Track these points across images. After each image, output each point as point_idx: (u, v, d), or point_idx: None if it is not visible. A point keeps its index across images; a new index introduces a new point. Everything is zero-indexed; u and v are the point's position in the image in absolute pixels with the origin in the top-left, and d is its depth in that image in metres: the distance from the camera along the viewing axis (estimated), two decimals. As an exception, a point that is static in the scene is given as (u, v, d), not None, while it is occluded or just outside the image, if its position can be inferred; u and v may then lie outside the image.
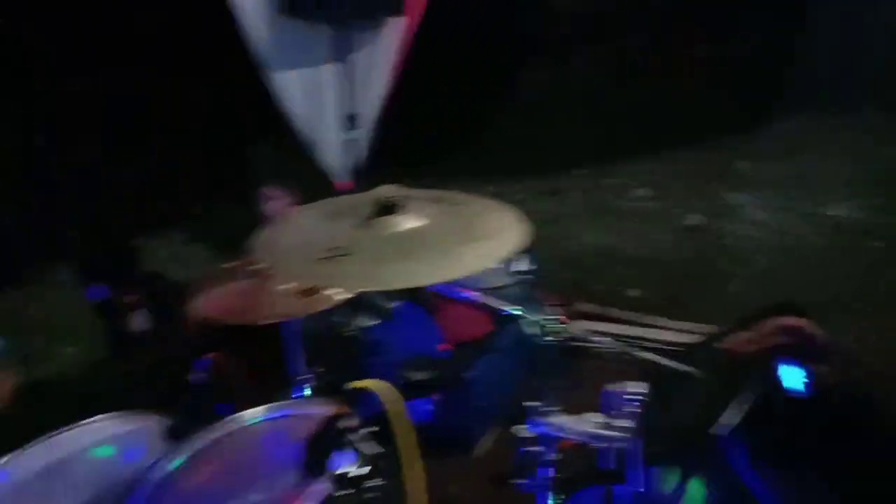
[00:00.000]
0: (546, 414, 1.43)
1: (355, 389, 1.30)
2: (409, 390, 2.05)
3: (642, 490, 1.39)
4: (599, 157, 4.81)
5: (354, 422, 1.13)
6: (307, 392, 1.64)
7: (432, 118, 4.65)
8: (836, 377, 1.61)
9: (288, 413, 1.27)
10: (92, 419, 1.44)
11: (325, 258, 1.19)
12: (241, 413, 1.26)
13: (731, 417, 1.37)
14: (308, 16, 2.94)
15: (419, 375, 2.17)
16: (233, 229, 1.58)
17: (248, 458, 1.22)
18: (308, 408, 1.28)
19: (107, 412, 1.47)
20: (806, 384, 1.54)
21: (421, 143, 4.38)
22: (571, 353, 1.72)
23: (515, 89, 5.60)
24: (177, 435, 1.32)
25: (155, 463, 1.20)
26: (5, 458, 1.34)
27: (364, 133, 3.28)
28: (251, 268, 1.58)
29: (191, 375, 1.74)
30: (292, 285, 1.54)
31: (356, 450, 1.10)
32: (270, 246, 1.31)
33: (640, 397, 1.33)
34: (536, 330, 1.57)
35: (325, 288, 1.52)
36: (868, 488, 1.50)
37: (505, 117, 5.38)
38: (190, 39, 4.12)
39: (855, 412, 1.64)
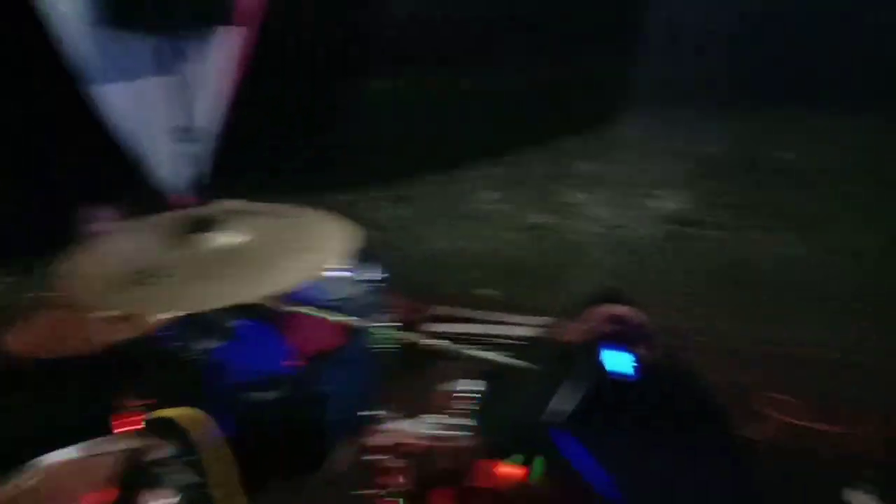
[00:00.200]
0: (388, 420, 1.43)
1: (162, 419, 1.24)
2: (256, 411, 1.98)
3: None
4: (448, 162, 4.92)
5: (164, 454, 1.07)
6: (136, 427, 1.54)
7: (277, 128, 4.55)
8: (659, 358, 1.74)
9: (95, 451, 1.18)
10: None
11: (137, 280, 1.12)
12: (45, 456, 1.16)
13: (561, 405, 1.44)
14: (130, 27, 2.79)
15: (266, 395, 2.10)
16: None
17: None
18: (114, 444, 1.20)
19: None
20: (634, 367, 1.65)
21: (266, 154, 4.27)
22: (418, 358, 1.74)
23: (361, 96, 5.60)
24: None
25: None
26: None
27: (202, 146, 3.15)
28: (57, 296, 1.46)
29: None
30: (108, 311, 1.44)
31: (171, 483, 1.05)
32: (78, 270, 1.22)
33: (475, 394, 1.37)
34: (384, 338, 1.57)
35: (144, 312, 1.44)
36: (692, 463, 1.63)
37: (352, 125, 5.38)
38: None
39: (678, 390, 1.78)
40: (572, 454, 1.39)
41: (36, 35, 2.74)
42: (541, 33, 5.85)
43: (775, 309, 3.20)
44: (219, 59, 3.08)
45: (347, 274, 2.29)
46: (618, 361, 1.64)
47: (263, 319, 2.29)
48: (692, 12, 5.44)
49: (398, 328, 1.75)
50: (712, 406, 1.82)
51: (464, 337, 2.66)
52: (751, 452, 2.32)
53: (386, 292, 2.49)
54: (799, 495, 2.07)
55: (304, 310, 1.83)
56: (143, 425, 1.28)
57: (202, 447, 1.17)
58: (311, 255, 1.22)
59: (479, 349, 1.69)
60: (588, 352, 1.64)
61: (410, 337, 1.58)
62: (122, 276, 1.13)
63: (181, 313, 1.60)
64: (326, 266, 1.22)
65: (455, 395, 1.38)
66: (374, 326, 1.68)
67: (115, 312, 1.45)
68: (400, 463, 1.45)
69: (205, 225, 1.19)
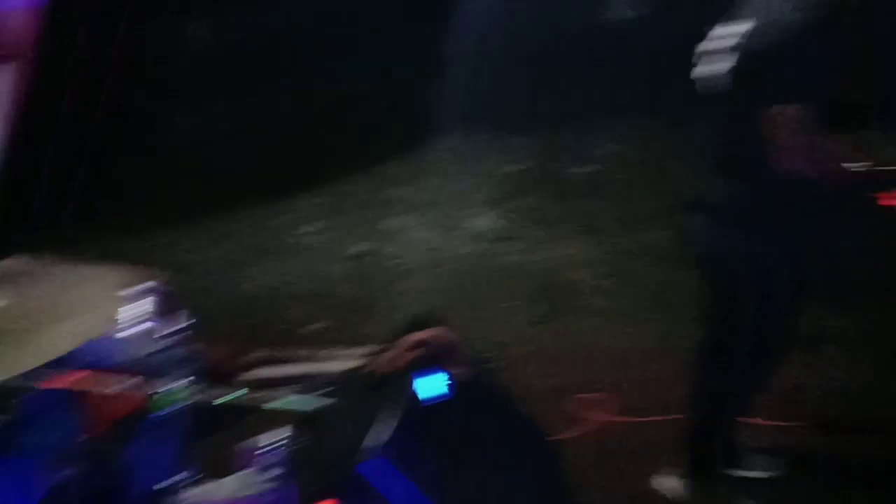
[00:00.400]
0: (193, 485, 1.34)
1: None
2: (55, 492, 1.77)
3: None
4: (264, 197, 4.79)
5: None
6: None
7: (64, 172, 4.19)
8: (473, 374, 1.78)
9: None
10: None
11: None
12: None
13: (375, 439, 1.43)
14: None
15: (62, 472, 1.88)
16: None
17: None
18: None
19: None
20: (449, 386, 1.66)
21: (51, 200, 3.91)
22: (227, 412, 1.64)
23: (163, 132, 5.33)
24: None
25: None
26: None
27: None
28: None
29: None
30: None
31: None
32: None
33: (283, 444, 1.32)
34: (191, 394, 1.46)
35: None
36: (509, 472, 1.67)
37: (159, 167, 5.09)
38: None
39: (493, 404, 1.83)
40: (389, 487, 1.38)
41: None
42: (344, 57, 5.93)
43: (587, 313, 3.43)
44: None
45: (145, 327, 2.12)
46: (431, 385, 1.65)
47: (56, 388, 2.06)
48: (494, 33, 5.73)
49: (208, 381, 1.64)
50: (527, 416, 1.89)
51: (282, 380, 2.57)
52: (566, 455, 2.45)
53: (196, 341, 2.34)
54: (612, 488, 2.21)
55: (93, 373, 1.67)
56: None
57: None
58: (92, 313, 1.12)
59: (291, 394, 1.63)
60: (400, 380, 1.64)
61: (220, 390, 1.49)
62: None
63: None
64: (116, 322, 1.13)
65: (264, 447, 1.32)
66: (177, 383, 1.56)
67: None
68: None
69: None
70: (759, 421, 2.36)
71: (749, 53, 1.64)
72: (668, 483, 2.22)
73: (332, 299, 3.67)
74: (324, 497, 1.41)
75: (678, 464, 2.24)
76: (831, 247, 1.91)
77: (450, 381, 1.65)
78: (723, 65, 1.74)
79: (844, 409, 2.51)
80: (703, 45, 1.85)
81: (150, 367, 1.71)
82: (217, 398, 1.54)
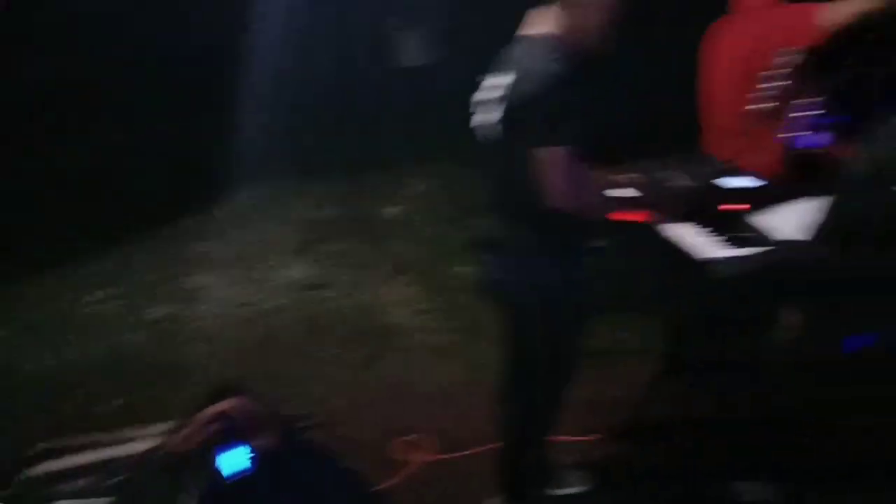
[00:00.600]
0: None
1: None
2: None
3: None
4: (49, 263, 4.32)
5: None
6: None
7: None
8: (282, 440, 1.71)
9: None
10: None
11: None
12: None
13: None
14: None
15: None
16: None
17: None
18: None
19: None
20: (252, 459, 1.59)
21: None
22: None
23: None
24: None
25: None
26: None
27: None
28: None
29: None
30: None
31: None
32: None
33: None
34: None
35: None
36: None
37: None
38: None
39: (305, 466, 1.77)
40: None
41: None
42: (133, 110, 5.60)
43: (406, 353, 3.46)
44: None
45: None
46: (234, 459, 1.57)
47: None
48: (290, 80, 5.68)
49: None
50: (348, 470, 1.86)
51: (71, 473, 2.31)
52: (391, 502, 2.44)
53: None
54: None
55: None
56: None
57: None
58: None
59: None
60: (200, 458, 1.54)
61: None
62: None
63: None
64: None
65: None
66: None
67: None
68: None
69: None
70: (565, 438, 2.51)
71: (513, 103, 1.77)
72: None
73: (131, 371, 3.37)
74: None
75: (499, 491, 2.32)
76: (606, 269, 2.10)
77: (253, 454, 1.58)
78: (493, 114, 1.86)
79: (635, 417, 2.75)
80: (477, 96, 1.98)
81: None
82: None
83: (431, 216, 5.01)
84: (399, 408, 3.00)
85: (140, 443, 2.55)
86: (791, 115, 2.26)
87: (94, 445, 2.67)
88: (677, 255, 2.05)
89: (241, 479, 1.54)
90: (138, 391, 3.21)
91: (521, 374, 2.16)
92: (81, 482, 1.78)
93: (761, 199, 2.04)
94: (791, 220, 1.93)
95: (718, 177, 2.14)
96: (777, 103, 2.28)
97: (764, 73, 2.29)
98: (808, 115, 2.21)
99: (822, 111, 2.20)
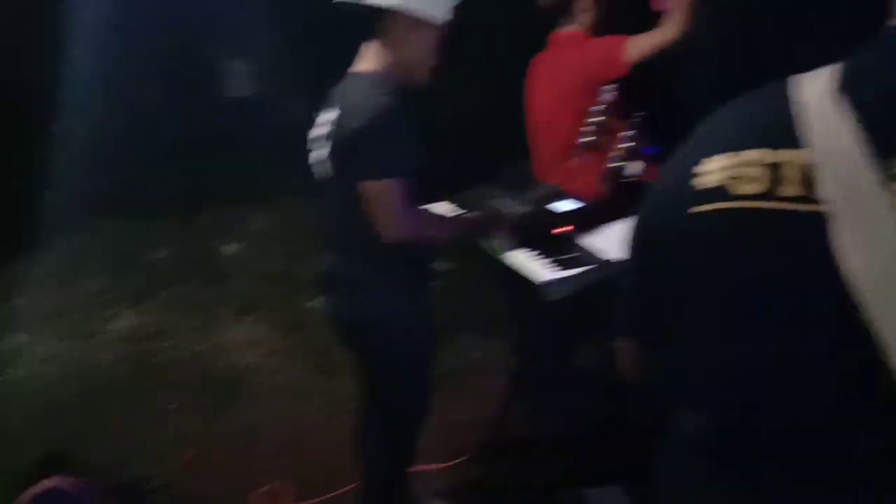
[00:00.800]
0: None
1: None
2: None
3: None
4: None
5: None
6: None
7: None
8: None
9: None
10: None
11: None
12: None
13: None
14: None
15: None
16: None
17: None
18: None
19: None
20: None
21: None
22: None
23: None
24: None
25: None
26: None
27: None
28: None
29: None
30: None
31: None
32: None
33: None
34: None
35: None
36: None
37: None
38: None
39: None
40: None
41: None
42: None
43: (256, 397, 3.31)
44: None
45: None
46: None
47: None
48: (111, 114, 5.28)
49: None
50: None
51: None
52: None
53: None
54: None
55: None
56: None
57: None
58: None
59: None
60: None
61: None
62: None
63: None
64: None
65: None
66: None
67: None
68: None
69: None
70: (428, 466, 2.51)
71: (339, 138, 1.76)
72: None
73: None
74: None
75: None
76: (452, 294, 2.13)
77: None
78: (323, 150, 1.85)
79: (495, 436, 2.81)
80: (312, 132, 1.95)
81: None
82: None
83: (274, 252, 4.86)
84: (254, 456, 2.85)
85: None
86: (612, 145, 2.43)
87: None
88: (515, 278, 2.12)
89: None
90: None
91: (374, 409, 2.13)
92: None
93: (585, 220, 2.17)
94: (613, 240, 2.07)
95: (549, 201, 2.25)
96: (601, 135, 2.43)
97: (592, 107, 2.43)
98: (625, 146, 2.39)
99: (635, 143, 2.39)
